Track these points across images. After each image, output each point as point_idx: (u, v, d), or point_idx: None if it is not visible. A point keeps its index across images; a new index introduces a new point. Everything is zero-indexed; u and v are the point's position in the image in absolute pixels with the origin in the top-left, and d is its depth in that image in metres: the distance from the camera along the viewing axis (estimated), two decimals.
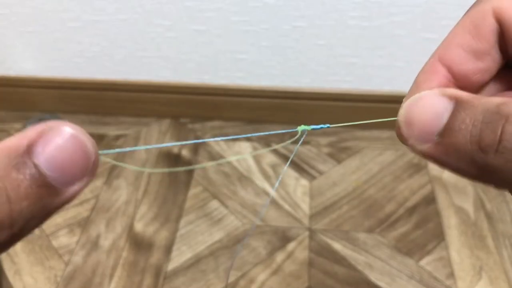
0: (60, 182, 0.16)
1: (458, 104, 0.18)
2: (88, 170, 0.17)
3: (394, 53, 0.93)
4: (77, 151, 0.16)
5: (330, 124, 0.23)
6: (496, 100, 0.17)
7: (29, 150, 0.16)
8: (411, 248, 0.82)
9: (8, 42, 0.99)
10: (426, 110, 0.19)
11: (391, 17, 0.88)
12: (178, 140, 1.03)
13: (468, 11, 0.21)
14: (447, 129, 0.18)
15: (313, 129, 0.22)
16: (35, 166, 0.16)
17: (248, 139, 1.02)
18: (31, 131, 0.16)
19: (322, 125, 0.23)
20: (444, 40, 0.21)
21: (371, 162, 0.98)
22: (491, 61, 0.20)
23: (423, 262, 0.80)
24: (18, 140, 0.16)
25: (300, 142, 0.23)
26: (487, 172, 0.17)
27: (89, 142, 0.17)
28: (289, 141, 0.24)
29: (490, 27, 0.20)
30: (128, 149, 0.19)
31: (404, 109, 0.19)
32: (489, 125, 0.17)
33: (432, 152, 0.19)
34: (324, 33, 0.91)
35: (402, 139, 0.19)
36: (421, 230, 0.85)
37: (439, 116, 0.18)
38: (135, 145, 1.02)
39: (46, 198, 0.16)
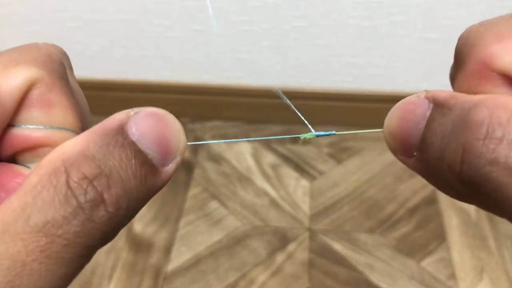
0: (158, 159, 0.16)
1: (433, 108, 0.15)
2: (179, 147, 0.17)
3: (394, 53, 0.93)
4: (167, 128, 0.16)
5: (337, 131, 0.21)
6: (474, 98, 0.14)
7: (122, 130, 0.15)
8: (412, 248, 0.82)
9: (8, 42, 0.99)
10: (406, 117, 0.16)
11: (392, 17, 0.88)
12: None
13: (459, 78, 0.17)
14: (422, 142, 0.15)
15: (318, 135, 0.21)
16: (134, 144, 0.15)
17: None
18: (119, 114, 0.16)
19: (328, 132, 0.21)
20: None
21: (371, 162, 0.97)
22: None
23: (424, 262, 0.80)
24: (110, 121, 0.16)
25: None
26: (463, 195, 0.15)
27: (175, 120, 0.17)
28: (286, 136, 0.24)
29: (494, 77, 0.15)
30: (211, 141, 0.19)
31: (387, 118, 0.17)
32: (452, 138, 0.14)
33: (416, 168, 0.16)
34: (324, 33, 0.91)
35: (392, 152, 0.17)
36: (422, 230, 0.85)
37: (417, 125, 0.15)
38: None
39: (149, 177, 0.16)
